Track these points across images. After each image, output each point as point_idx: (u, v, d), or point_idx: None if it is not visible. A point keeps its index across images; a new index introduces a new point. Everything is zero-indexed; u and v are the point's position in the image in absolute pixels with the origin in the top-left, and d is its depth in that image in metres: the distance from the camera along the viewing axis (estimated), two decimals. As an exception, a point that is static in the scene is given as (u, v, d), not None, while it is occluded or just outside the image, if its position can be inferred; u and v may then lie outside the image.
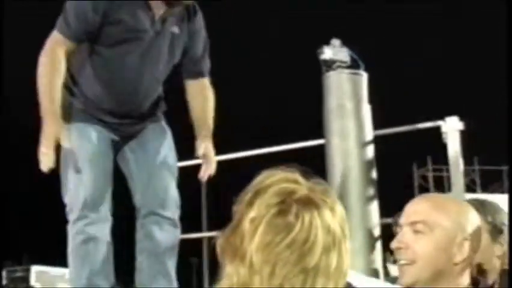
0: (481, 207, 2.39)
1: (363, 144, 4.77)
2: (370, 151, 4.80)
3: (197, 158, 3.91)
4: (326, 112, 4.88)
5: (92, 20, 3.37)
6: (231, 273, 1.43)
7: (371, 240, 4.58)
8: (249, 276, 1.41)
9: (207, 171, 3.81)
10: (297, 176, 1.51)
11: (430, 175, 20.47)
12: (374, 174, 4.80)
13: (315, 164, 5.46)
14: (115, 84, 3.54)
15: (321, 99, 4.95)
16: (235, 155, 5.69)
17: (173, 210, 3.63)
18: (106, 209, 3.50)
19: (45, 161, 3.23)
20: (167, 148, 3.73)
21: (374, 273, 4.47)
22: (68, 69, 3.50)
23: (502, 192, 18.68)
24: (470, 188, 20.31)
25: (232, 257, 1.43)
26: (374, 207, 4.70)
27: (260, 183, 1.48)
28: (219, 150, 4.55)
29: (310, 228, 1.45)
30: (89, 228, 3.40)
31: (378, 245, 4.61)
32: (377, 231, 4.64)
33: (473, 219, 2.07)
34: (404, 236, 2.09)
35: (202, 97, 3.86)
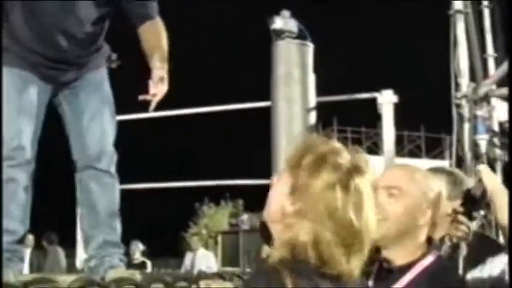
0: (454, 178, 2.80)
1: (308, 110, 5.20)
2: (313, 116, 5.24)
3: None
4: (274, 78, 5.27)
5: None
6: (307, 228, 1.78)
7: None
8: (321, 232, 1.77)
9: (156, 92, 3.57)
10: (341, 147, 1.87)
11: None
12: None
13: (259, 125, 5.90)
14: (43, 24, 3.52)
15: (269, 67, 5.34)
16: (187, 111, 6.05)
17: (108, 162, 3.65)
18: (30, 153, 3.49)
19: None
20: (102, 99, 3.71)
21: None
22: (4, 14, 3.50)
23: (442, 158, 19.75)
24: (415, 153, 21.20)
25: (301, 217, 1.79)
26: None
27: (317, 151, 1.83)
28: (170, 107, 4.84)
29: (362, 194, 1.83)
30: (11, 170, 3.40)
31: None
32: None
33: (436, 190, 2.50)
34: (379, 197, 2.48)
35: (153, 31, 3.71)
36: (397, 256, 2.42)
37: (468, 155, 5.46)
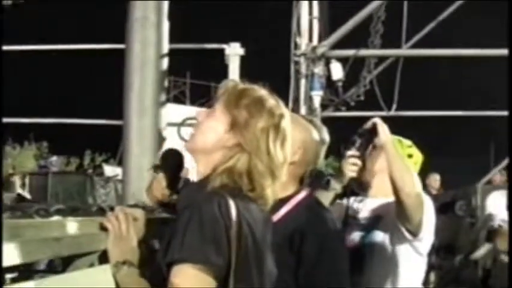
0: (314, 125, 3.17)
1: (161, 56, 5.40)
2: (165, 62, 5.45)
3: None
4: (130, 21, 5.40)
5: None
6: (245, 159, 2.08)
7: (160, 139, 5.31)
8: (256, 164, 2.07)
9: None
10: (267, 92, 2.19)
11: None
12: (166, 83, 5.48)
13: (113, 66, 6.02)
14: None
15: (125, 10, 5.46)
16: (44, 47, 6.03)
17: None
18: None
19: None
20: None
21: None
22: None
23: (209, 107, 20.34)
24: (179, 99, 21.66)
25: (240, 150, 2.08)
26: (165, 110, 5.40)
27: (252, 94, 2.14)
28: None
29: (285, 135, 2.17)
30: None
31: (165, 143, 5.34)
32: (165, 132, 5.36)
33: (313, 137, 2.82)
34: None
35: None
36: None
37: (303, 108, 5.93)
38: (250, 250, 2.05)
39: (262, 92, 2.19)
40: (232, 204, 2.02)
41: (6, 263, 1.87)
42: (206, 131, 2.17)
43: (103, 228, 2.19)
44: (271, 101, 2.18)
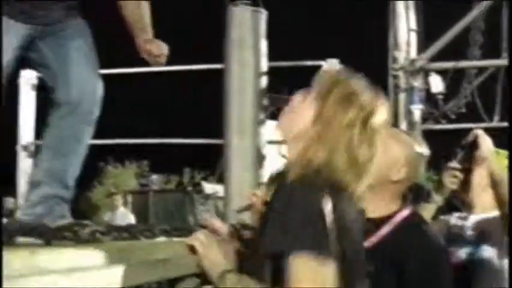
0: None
1: (259, 74, 5.46)
2: (264, 81, 5.51)
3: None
4: (228, 42, 5.49)
5: None
6: (322, 153, 2.01)
7: (260, 157, 5.36)
8: (334, 160, 2.00)
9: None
10: (364, 87, 2.10)
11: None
12: (266, 101, 5.53)
13: (213, 85, 6.13)
14: None
15: (222, 31, 5.56)
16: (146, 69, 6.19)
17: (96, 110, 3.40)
18: None
19: None
20: (89, 46, 3.44)
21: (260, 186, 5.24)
22: None
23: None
24: (277, 116, 21.69)
25: (320, 143, 2.02)
26: (264, 129, 5.44)
27: (344, 88, 2.06)
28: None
29: (375, 134, 2.08)
30: None
31: (265, 162, 5.39)
32: (265, 150, 5.41)
33: (415, 153, 2.75)
34: None
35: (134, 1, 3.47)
36: (368, 208, 2.50)
37: (403, 123, 5.87)
38: (348, 245, 1.98)
39: (356, 86, 2.10)
40: (326, 195, 1.93)
41: (115, 286, 1.91)
42: (295, 117, 2.11)
43: (192, 250, 2.17)
44: (365, 95, 2.08)
